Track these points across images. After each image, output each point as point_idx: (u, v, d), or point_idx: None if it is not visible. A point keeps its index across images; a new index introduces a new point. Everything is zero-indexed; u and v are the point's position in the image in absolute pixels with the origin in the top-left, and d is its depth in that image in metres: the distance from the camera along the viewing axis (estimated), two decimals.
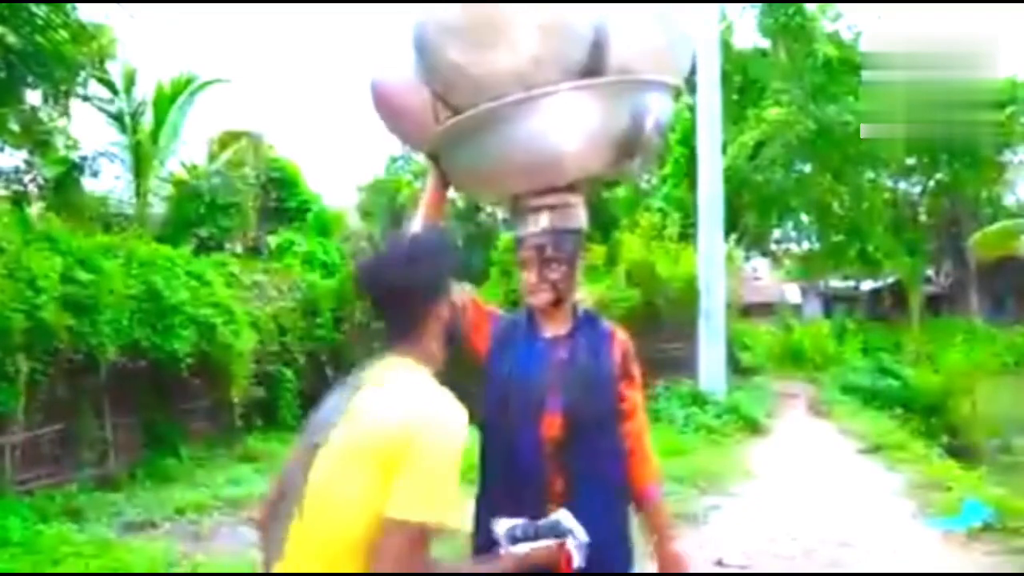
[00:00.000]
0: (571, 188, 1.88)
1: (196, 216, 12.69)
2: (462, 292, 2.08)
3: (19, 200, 11.04)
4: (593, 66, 1.78)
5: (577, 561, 1.57)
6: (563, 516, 1.62)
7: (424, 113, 1.92)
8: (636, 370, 1.95)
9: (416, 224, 2.12)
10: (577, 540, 1.58)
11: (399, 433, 1.28)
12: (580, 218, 1.91)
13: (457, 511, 1.33)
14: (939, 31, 12.85)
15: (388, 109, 2.07)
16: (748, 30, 16.39)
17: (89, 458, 7.36)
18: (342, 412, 1.36)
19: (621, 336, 1.95)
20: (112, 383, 7.61)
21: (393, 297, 1.46)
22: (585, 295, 2.04)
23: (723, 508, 6.10)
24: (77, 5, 9.66)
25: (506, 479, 1.80)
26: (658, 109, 1.83)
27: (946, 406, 12.03)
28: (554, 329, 1.92)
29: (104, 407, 7.73)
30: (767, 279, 29.81)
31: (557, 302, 1.89)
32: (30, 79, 9.92)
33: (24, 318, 5.91)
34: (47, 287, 6.32)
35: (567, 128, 1.76)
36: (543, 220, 1.86)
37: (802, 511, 5.94)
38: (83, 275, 6.87)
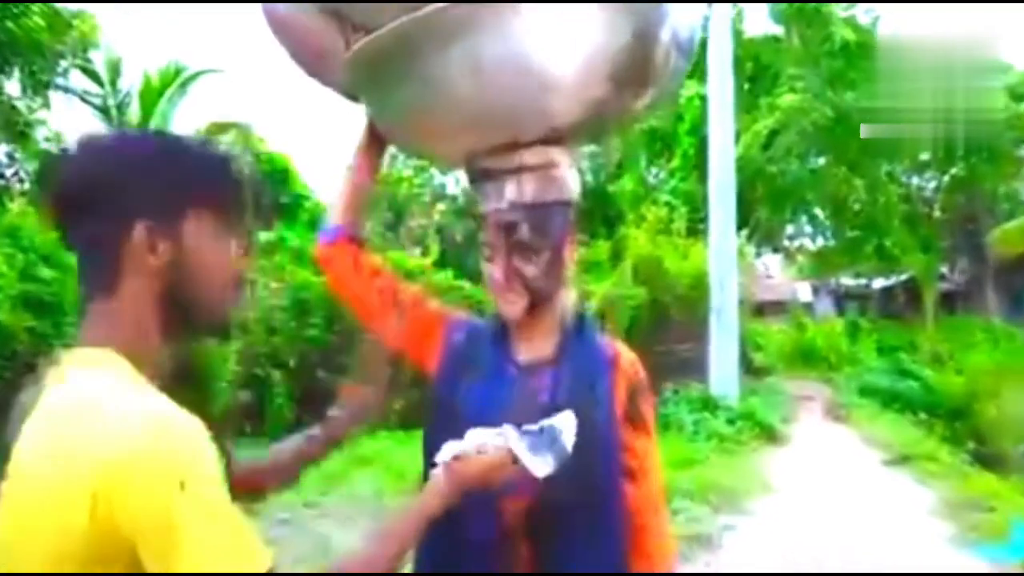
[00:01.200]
0: (556, 142, 1.31)
1: None
2: (407, 288, 1.50)
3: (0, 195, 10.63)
4: None
5: (541, 470, 1.09)
6: (562, 420, 1.15)
7: (328, 35, 1.34)
8: (648, 411, 1.38)
9: (338, 189, 1.54)
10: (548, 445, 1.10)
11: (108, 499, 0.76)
12: (569, 185, 1.33)
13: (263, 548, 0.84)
14: (956, 22, 12.31)
15: (283, 32, 1.44)
16: (759, 16, 15.77)
17: None
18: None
19: (627, 360, 1.38)
20: None
21: (75, 210, 0.88)
22: (580, 295, 1.44)
23: (739, 528, 5.54)
24: None
25: (448, 560, 1.26)
26: (678, 19, 1.25)
27: (971, 410, 11.41)
28: (532, 349, 1.36)
29: None
30: (778, 276, 29.21)
31: (533, 307, 1.32)
32: (5, 68, 9.54)
33: None
34: (2, 285, 5.83)
35: (545, 50, 1.16)
36: (512, 188, 1.29)
37: (827, 533, 5.37)
38: (46, 272, 6.40)
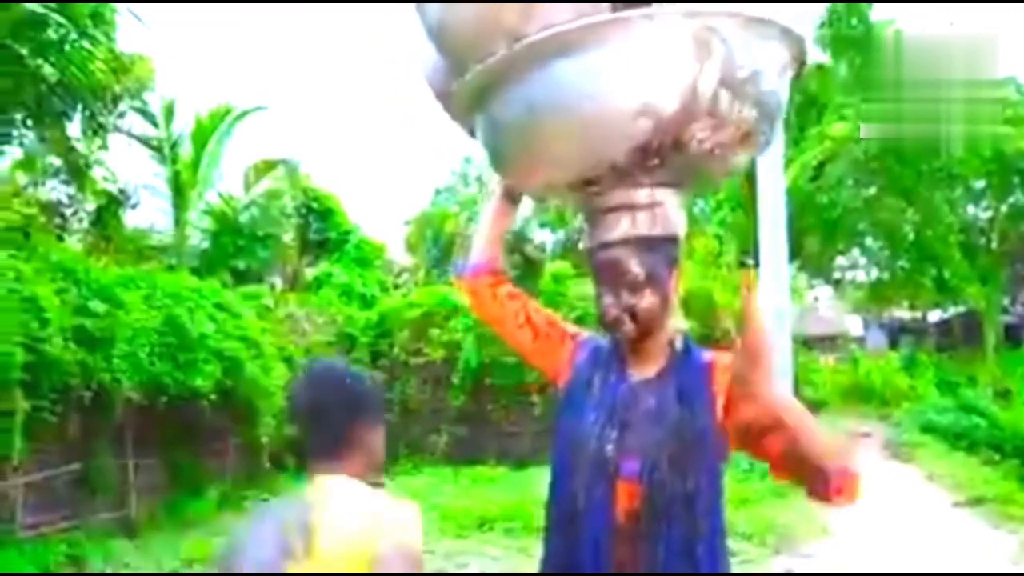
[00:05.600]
0: (663, 184, 1.49)
1: (234, 248, 12.44)
2: (535, 306, 1.75)
3: (60, 234, 10.99)
4: None
5: None
6: None
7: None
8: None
9: (476, 240, 1.85)
10: None
11: (369, 540, 1.28)
12: (674, 222, 1.52)
13: None
14: (1008, 41, 12.01)
15: (441, 100, 1.76)
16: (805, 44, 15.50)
17: (107, 501, 6.97)
18: (295, 548, 1.30)
19: (721, 363, 1.51)
20: (133, 421, 7.24)
21: (316, 413, 1.44)
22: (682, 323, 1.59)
23: (798, 572, 5.28)
24: (115, 37, 9.58)
25: (567, 554, 1.48)
26: (729, 61, 1.34)
27: None
28: (642, 369, 1.55)
29: (126, 447, 7.36)
30: (827, 309, 28.47)
31: (645, 335, 1.51)
32: (67, 112, 9.85)
33: (24, 352, 5.47)
34: (55, 319, 5.91)
35: (608, 78, 1.34)
36: (623, 225, 1.49)
37: None
38: (99, 306, 6.49)
